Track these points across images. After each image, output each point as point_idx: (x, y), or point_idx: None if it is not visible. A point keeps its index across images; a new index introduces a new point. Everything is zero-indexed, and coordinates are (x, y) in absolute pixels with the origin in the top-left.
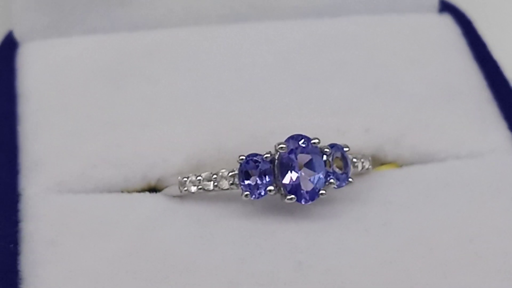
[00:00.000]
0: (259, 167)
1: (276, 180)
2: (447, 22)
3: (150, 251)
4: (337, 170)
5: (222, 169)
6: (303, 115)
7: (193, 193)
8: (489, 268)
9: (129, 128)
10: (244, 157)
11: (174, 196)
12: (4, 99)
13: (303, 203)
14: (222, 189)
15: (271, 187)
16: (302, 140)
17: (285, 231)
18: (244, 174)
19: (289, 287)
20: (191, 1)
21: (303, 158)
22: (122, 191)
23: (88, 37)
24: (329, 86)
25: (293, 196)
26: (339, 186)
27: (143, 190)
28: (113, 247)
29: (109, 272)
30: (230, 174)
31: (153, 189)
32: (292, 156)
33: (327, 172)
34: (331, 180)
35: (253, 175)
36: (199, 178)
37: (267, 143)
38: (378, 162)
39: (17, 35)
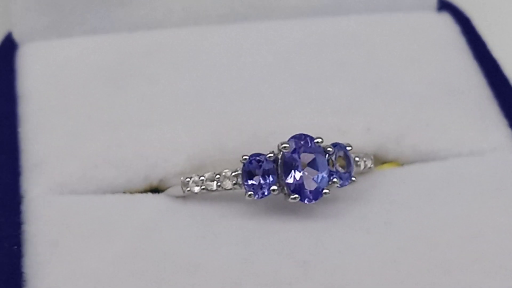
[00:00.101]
0: (262, 166)
1: (280, 179)
2: (446, 20)
3: (153, 251)
4: (340, 169)
5: (225, 169)
6: (304, 114)
7: (196, 193)
8: (492, 266)
9: (130, 128)
10: (247, 157)
11: (176, 197)
12: (4, 100)
13: (306, 202)
14: (225, 189)
15: (274, 187)
16: (305, 140)
17: (288, 231)
18: (247, 174)
19: (294, 286)
20: (190, 1)
21: (306, 157)
22: (124, 192)
23: (88, 38)
24: (330, 86)
25: (296, 195)
26: (342, 185)
27: (145, 191)
28: (116, 248)
29: (112, 273)
30: (233, 174)
31: (155, 190)
32: (295, 155)
33: (330, 171)
34: (334, 179)
35: (257, 175)
36: (202, 178)
37: (268, 143)
38: (379, 161)
39: (17, 36)
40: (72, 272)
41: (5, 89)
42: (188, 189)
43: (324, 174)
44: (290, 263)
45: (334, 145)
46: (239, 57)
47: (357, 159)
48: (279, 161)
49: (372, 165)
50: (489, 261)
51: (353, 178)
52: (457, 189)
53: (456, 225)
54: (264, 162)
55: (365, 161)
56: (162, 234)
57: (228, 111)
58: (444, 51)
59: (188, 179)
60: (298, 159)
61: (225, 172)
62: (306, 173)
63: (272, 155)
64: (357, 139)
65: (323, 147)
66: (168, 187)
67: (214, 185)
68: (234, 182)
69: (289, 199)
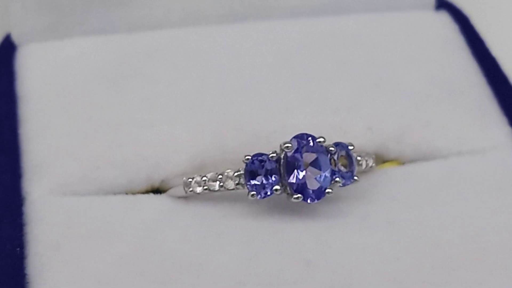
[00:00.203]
0: (265, 166)
1: (282, 179)
2: (445, 19)
3: (156, 252)
4: (342, 168)
5: (228, 169)
6: (305, 114)
7: (198, 193)
8: (495, 264)
9: (131, 129)
10: (249, 157)
11: (178, 197)
12: (4, 101)
13: (309, 202)
14: (228, 189)
15: (277, 187)
16: (308, 139)
17: (291, 230)
18: (250, 174)
19: (298, 286)
20: (190, 2)
21: (309, 157)
22: (126, 193)
23: (88, 39)
24: (330, 85)
25: (299, 195)
26: (344, 185)
27: (146, 192)
28: (119, 249)
29: (115, 274)
30: (236, 174)
31: (156, 190)
32: (298, 155)
33: (333, 170)
34: (337, 179)
35: (259, 175)
36: (204, 178)
37: (269, 143)
38: (380, 160)
39: (16, 38)
40: (75, 274)
41: (5, 90)
42: (190, 189)
43: (327, 174)
44: (294, 262)
45: (336, 144)
46: (239, 57)
47: (359, 158)
48: (282, 160)
49: (373, 164)
50: (491, 260)
51: (355, 178)
52: (458, 188)
53: (458, 224)
54: (267, 162)
55: (366, 160)
56: (164, 235)
57: (229, 111)
58: (443, 50)
59: (190, 180)
60: (300, 158)
61: (228, 172)
62: (308, 173)
63: (274, 155)
64: (358, 138)
65: (325, 147)
66: (170, 188)
67: (216, 185)
68: (236, 182)
69: (292, 199)
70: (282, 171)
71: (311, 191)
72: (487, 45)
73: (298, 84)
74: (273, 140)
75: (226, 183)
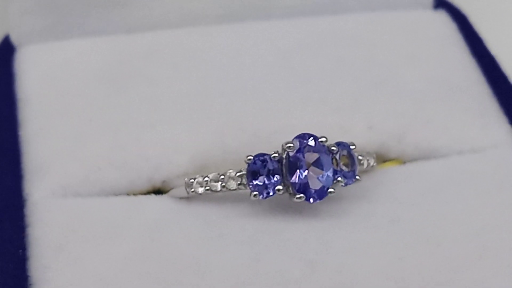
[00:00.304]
0: (267, 166)
1: (285, 179)
2: (443, 18)
3: (159, 253)
4: (344, 168)
5: (230, 169)
6: (306, 113)
7: (200, 194)
8: (497, 263)
9: (132, 130)
10: (252, 157)
11: (180, 198)
12: (4, 103)
13: (311, 202)
14: (230, 189)
15: (279, 187)
16: (310, 139)
17: (294, 230)
18: (252, 174)
19: (301, 286)
20: (187, 2)
21: (311, 156)
22: (127, 194)
23: (86, 40)
24: (330, 84)
25: (302, 195)
26: (346, 184)
27: (148, 192)
28: (122, 250)
29: (118, 275)
30: (238, 174)
31: (157, 191)
32: (300, 155)
33: (335, 170)
34: (339, 178)
35: (261, 175)
36: (206, 179)
37: (271, 142)
38: (381, 159)
39: (15, 39)
40: (78, 275)
41: (4, 92)
42: (192, 190)
43: (329, 173)
44: (297, 262)
45: (338, 144)
46: (239, 57)
47: (360, 157)
48: (284, 160)
49: (374, 164)
50: (493, 258)
51: (357, 177)
52: (459, 186)
53: (460, 222)
54: (269, 162)
55: (368, 160)
56: (167, 236)
57: (230, 111)
58: (442, 49)
59: (192, 180)
60: (302, 158)
61: (230, 173)
62: (310, 173)
63: (276, 155)
64: (359, 138)
65: (327, 146)
66: (171, 188)
67: (218, 185)
68: (238, 182)
69: (295, 199)
70: (284, 171)
71: (313, 191)
72: (485, 43)
73: (298, 84)
74: (274, 140)
75: (228, 183)
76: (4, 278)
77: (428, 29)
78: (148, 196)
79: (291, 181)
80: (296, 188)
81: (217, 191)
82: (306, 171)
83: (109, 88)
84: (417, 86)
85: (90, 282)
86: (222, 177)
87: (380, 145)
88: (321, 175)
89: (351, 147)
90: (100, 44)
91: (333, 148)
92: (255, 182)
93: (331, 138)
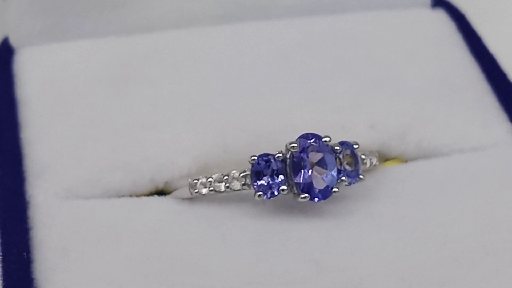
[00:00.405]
0: (271, 166)
1: (289, 179)
2: (441, 17)
3: (164, 254)
4: (347, 167)
5: (233, 170)
6: (307, 113)
7: (204, 195)
8: (502, 260)
9: (134, 131)
10: (255, 158)
11: (183, 199)
12: (4, 106)
13: (316, 201)
14: (234, 190)
15: (284, 187)
16: (313, 139)
17: (299, 230)
18: (256, 174)
19: (307, 285)
20: (185, 3)
21: (315, 156)
22: (130, 195)
23: (85, 41)
24: (331, 84)
25: (306, 194)
26: (350, 184)
27: (150, 194)
28: (127, 251)
29: (124, 277)
30: (242, 174)
31: (160, 192)
32: (304, 155)
33: (339, 170)
34: (343, 178)
35: (266, 175)
36: (209, 179)
37: (272, 142)
38: (382, 158)
39: (13, 41)
40: (83, 277)
41: (4, 94)
42: (196, 190)
43: (333, 173)
44: (302, 262)
45: (341, 143)
46: (239, 57)
47: (363, 157)
48: (288, 160)
49: (377, 163)
50: (498, 256)
51: (361, 176)
52: (461, 184)
53: (463, 220)
54: (273, 162)
55: (370, 159)
56: (172, 237)
57: (231, 112)
58: (441, 48)
59: (195, 181)
60: (306, 158)
61: (233, 173)
62: (315, 172)
63: (280, 155)
64: (361, 137)
65: (331, 146)
66: (174, 190)
67: (222, 186)
68: (242, 182)
69: (299, 199)
70: (288, 171)
71: (317, 191)
72: (484, 42)
73: (298, 83)
74: (276, 140)
75: (232, 184)
76: (9, 281)
77: (427, 28)
78: (151, 197)
79: (295, 181)
80: (301, 188)
81: (221, 192)
82: (310, 171)
83: (109, 89)
84: (418, 85)
85: (95, 284)
86: (226, 177)
87: (381, 144)
88: (325, 175)
89: (355, 146)
90: (99, 45)
91: (336, 147)
92: (259, 182)
93: (333, 137)
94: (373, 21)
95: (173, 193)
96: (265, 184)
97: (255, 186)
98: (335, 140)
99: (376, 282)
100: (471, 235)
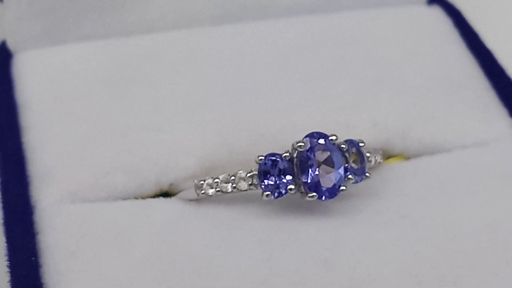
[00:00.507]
0: (278, 166)
1: (296, 178)
2: (438, 14)
3: (174, 256)
4: (354, 165)
5: (240, 170)
6: (310, 112)
7: (210, 195)
8: (510, 254)
9: (138, 133)
10: (263, 157)
11: (189, 200)
12: (5, 110)
13: (324, 200)
14: (241, 190)
15: (291, 186)
16: (320, 138)
17: (307, 229)
18: (264, 174)
19: (319, 284)
20: (183, 4)
21: (322, 155)
22: (135, 198)
23: (84, 44)
24: (332, 82)
25: (314, 193)
26: (356, 182)
27: (155, 195)
28: (136, 254)
29: (134, 280)
30: (249, 175)
31: (164, 194)
32: (311, 154)
33: (345, 168)
34: (350, 176)
35: (273, 175)
36: (216, 180)
37: (277, 142)
38: (385, 155)
39: (11, 45)
40: (93, 281)
41: (4, 98)
42: (203, 191)
43: (340, 171)
44: (311, 261)
45: (347, 141)
46: (240, 57)
47: (368, 154)
48: (295, 160)
49: (381, 160)
50: (506, 250)
51: (367, 174)
52: (466, 180)
53: (470, 216)
54: (280, 162)
55: (375, 157)
56: (180, 238)
57: (234, 112)
58: (439, 44)
59: (202, 182)
60: (313, 157)
61: (240, 173)
62: (322, 171)
63: (287, 154)
64: (364, 135)
65: (337, 144)
66: (179, 191)
67: (229, 186)
68: (249, 183)
69: (307, 198)
70: (295, 170)
71: (325, 189)
72: (481, 38)
73: (300, 83)
74: (280, 139)
75: (239, 184)
76: (19, 286)
77: (424, 25)
78: (157, 199)
79: (302, 180)
80: (308, 187)
81: (227, 192)
82: (317, 170)
83: (110, 91)
84: (418, 82)
85: (106, 287)
86: (232, 178)
87: (384, 141)
88: (332, 173)
89: (360, 144)
90: (98, 47)
91: (342, 146)
92: (266, 182)
93: (337, 135)
94: (371, 19)
95: (179, 194)
96: (273, 183)
97: (262, 186)
98: (339, 138)
99: (386, 279)
100: (478, 230)
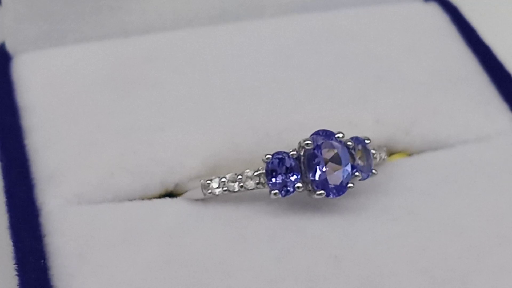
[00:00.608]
0: (285, 164)
1: (303, 176)
2: (435, 10)
3: (184, 256)
4: (360, 162)
5: (247, 169)
6: (313, 110)
7: (217, 195)
8: None
9: (142, 134)
10: (270, 156)
11: (196, 200)
12: (6, 113)
13: (332, 197)
14: (248, 189)
15: (299, 184)
16: (327, 135)
17: (315, 227)
18: (271, 172)
19: (329, 281)
20: (180, 4)
21: (329, 153)
22: (141, 198)
23: (83, 45)
24: (334, 80)
25: (322, 191)
26: (363, 178)
27: (160, 196)
28: (145, 255)
29: (145, 281)
30: (256, 173)
31: (169, 194)
32: (318, 151)
33: (352, 165)
34: (357, 173)
35: (280, 173)
36: (223, 179)
37: (281, 140)
38: (388, 151)
39: (10, 47)
40: (104, 282)
41: (5, 101)
42: (209, 191)
43: (347, 169)
44: (321, 258)
45: (353, 139)
46: (240, 56)
47: (373, 151)
48: (302, 158)
49: (385, 157)
50: None
51: (373, 171)
52: (470, 175)
53: (476, 210)
54: (287, 160)
55: (380, 154)
56: (189, 238)
57: (238, 111)
58: (438, 40)
59: (208, 182)
60: (320, 155)
61: (247, 172)
62: (329, 169)
63: (294, 152)
64: (368, 132)
65: (344, 142)
66: (185, 191)
67: (236, 186)
68: (257, 181)
69: (315, 195)
70: (303, 168)
71: (332, 187)
72: (479, 33)
73: (302, 81)
74: (285, 138)
75: (246, 183)
76: None
77: (422, 21)
78: (163, 199)
79: (310, 178)
80: (316, 184)
81: (234, 191)
82: (325, 168)
83: (112, 93)
84: (419, 78)
85: None
86: (239, 177)
87: (388, 138)
88: (339, 171)
89: (366, 141)
90: (97, 49)
91: (349, 143)
92: (274, 180)
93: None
94: (369, 16)
95: (185, 194)
96: (280, 182)
97: (270, 185)
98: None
99: (397, 276)
100: (485, 224)
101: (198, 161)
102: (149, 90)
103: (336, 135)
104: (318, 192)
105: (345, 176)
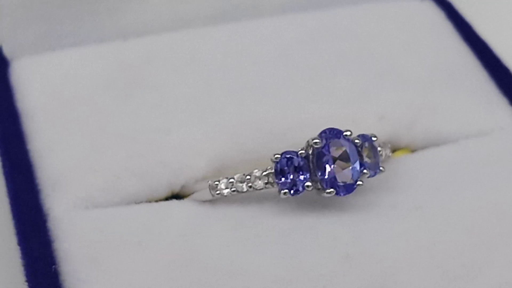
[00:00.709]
0: (294, 163)
1: (312, 175)
2: (430, 6)
3: (195, 258)
4: (367, 160)
5: (255, 169)
6: (317, 108)
7: (225, 196)
8: None
9: (147, 136)
10: (279, 156)
11: (203, 201)
12: (7, 118)
13: (342, 195)
14: (257, 189)
15: (308, 183)
16: (334, 133)
17: (325, 225)
18: (280, 172)
19: (342, 279)
20: (178, 5)
21: (337, 151)
22: (148, 201)
23: (81, 48)
24: (335, 78)
25: (331, 189)
26: (371, 176)
27: (166, 198)
28: (156, 257)
29: (157, 283)
30: (264, 173)
31: (176, 196)
32: (326, 150)
33: (361, 163)
34: (365, 171)
35: (289, 173)
36: (231, 180)
37: (286, 139)
38: (392, 148)
39: (7, 52)
40: (116, 286)
41: (5, 106)
42: (218, 192)
43: (356, 166)
44: (333, 256)
45: (360, 136)
46: (241, 56)
47: (379, 148)
48: (311, 156)
49: (390, 154)
50: None
51: (381, 168)
52: (474, 169)
53: (483, 205)
54: (295, 159)
55: (385, 151)
56: (200, 240)
57: (243, 111)
58: (435, 37)
59: (216, 182)
60: (329, 153)
61: (255, 172)
62: (338, 167)
63: (303, 151)
64: (371, 129)
65: (351, 140)
66: (191, 193)
67: (244, 186)
68: (265, 181)
69: (324, 194)
70: (311, 167)
71: (341, 185)
72: (474, 29)
73: (304, 80)
74: (290, 137)
75: (255, 183)
76: None
77: (418, 18)
78: (171, 201)
79: (319, 176)
80: (325, 183)
81: (243, 192)
82: (333, 166)
83: (113, 95)
84: (420, 74)
85: None
86: (248, 177)
87: (391, 135)
88: (348, 169)
89: (373, 139)
90: (96, 51)
91: (356, 141)
92: (283, 180)
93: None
94: (366, 14)
95: (193, 195)
96: (290, 181)
97: (279, 184)
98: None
99: (410, 272)
100: (493, 218)
101: (204, 162)
102: (151, 92)
103: (344, 133)
104: (328, 191)
105: (354, 174)
